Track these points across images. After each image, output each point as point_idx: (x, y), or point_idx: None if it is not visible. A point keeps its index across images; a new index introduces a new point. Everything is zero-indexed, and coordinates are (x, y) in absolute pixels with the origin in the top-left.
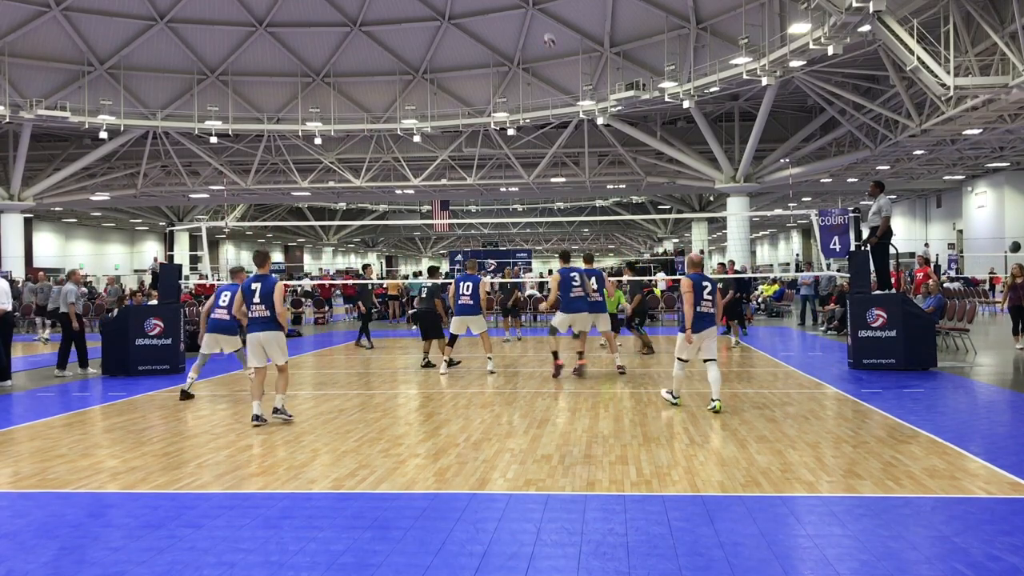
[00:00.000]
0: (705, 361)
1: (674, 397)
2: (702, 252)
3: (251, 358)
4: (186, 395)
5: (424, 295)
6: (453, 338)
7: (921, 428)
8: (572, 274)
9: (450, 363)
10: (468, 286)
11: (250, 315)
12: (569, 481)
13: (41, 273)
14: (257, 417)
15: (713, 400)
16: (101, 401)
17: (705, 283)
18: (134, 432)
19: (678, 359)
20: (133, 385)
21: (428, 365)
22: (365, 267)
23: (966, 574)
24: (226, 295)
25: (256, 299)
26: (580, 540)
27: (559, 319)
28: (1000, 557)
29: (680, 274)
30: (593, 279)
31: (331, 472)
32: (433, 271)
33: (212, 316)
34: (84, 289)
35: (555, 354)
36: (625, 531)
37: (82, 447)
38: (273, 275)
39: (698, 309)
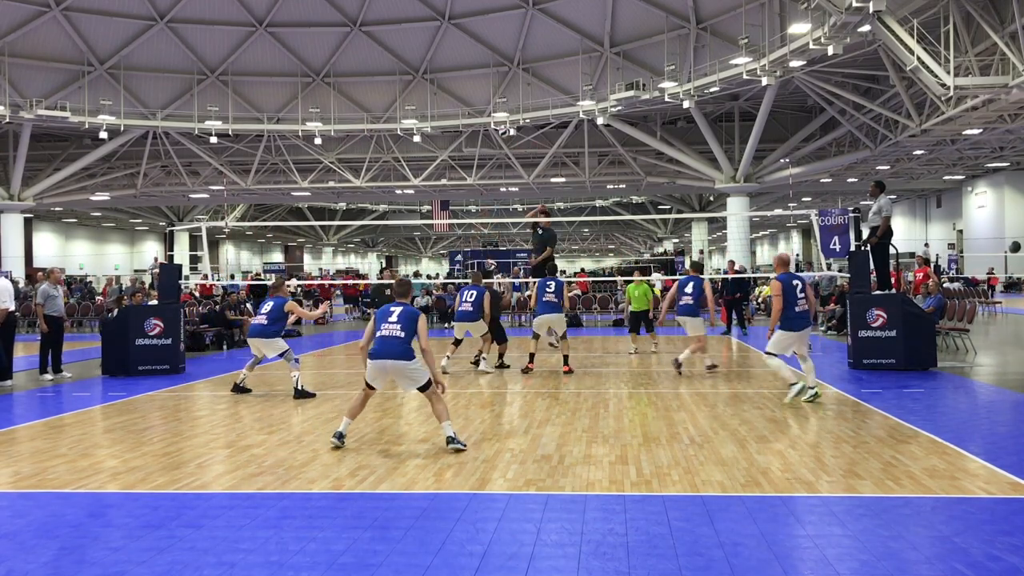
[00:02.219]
0: (795, 355)
1: (799, 385)
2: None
3: (373, 380)
4: (303, 394)
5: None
6: (457, 341)
7: (921, 428)
8: (548, 283)
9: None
10: (472, 294)
11: (380, 333)
12: (569, 481)
13: (40, 274)
14: (340, 435)
15: (811, 388)
16: (101, 401)
17: (796, 282)
18: (134, 432)
19: (769, 353)
20: (133, 385)
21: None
22: (384, 269)
23: (966, 574)
24: (268, 304)
25: (394, 318)
26: (580, 540)
27: (537, 322)
28: (1000, 557)
29: (725, 274)
30: (554, 284)
31: (331, 472)
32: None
33: (252, 322)
34: (56, 291)
35: (532, 356)
36: (625, 531)
37: (82, 447)
38: (413, 305)
39: (796, 309)
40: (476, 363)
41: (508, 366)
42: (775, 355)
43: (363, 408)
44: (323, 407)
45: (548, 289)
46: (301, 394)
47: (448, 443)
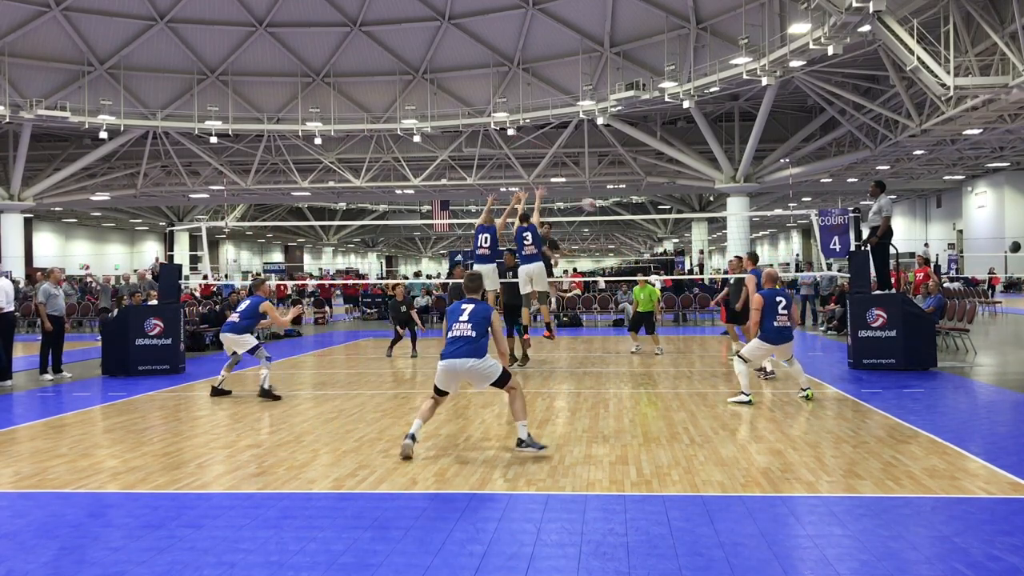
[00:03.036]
0: (784, 362)
1: (750, 399)
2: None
3: (445, 384)
4: (267, 394)
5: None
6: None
7: (921, 428)
8: (525, 232)
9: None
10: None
11: (451, 333)
12: (569, 481)
13: (40, 274)
14: (412, 437)
15: (804, 389)
16: (101, 401)
17: (779, 299)
18: (134, 432)
19: (741, 357)
20: (133, 385)
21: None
22: (416, 274)
23: (966, 574)
24: (245, 302)
25: (465, 317)
26: (580, 540)
27: (521, 275)
28: (1000, 557)
29: (725, 274)
30: (530, 235)
31: (331, 472)
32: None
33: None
34: (57, 291)
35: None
36: (625, 531)
37: (82, 447)
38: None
39: (775, 324)
40: None
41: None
42: (745, 360)
43: (433, 415)
44: (323, 407)
45: (526, 241)
46: (266, 393)
47: (518, 445)
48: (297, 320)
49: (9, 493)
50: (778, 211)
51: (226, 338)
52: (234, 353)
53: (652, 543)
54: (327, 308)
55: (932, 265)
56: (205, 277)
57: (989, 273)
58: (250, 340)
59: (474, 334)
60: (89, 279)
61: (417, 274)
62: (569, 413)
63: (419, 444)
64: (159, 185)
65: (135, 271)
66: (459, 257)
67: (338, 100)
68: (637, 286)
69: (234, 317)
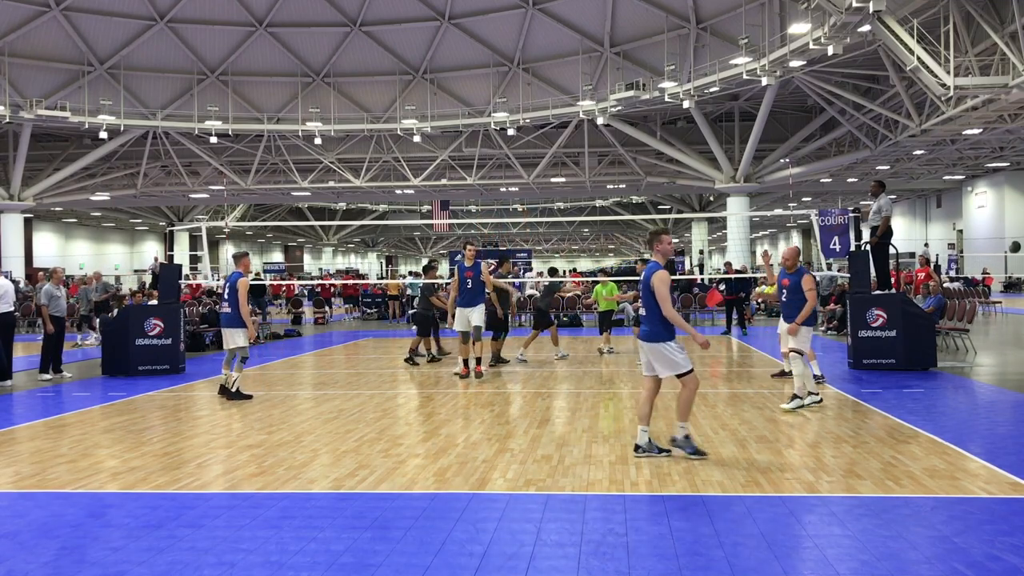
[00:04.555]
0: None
1: (816, 395)
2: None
3: (664, 368)
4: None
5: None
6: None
7: (921, 428)
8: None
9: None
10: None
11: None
12: (569, 481)
13: (40, 274)
14: (640, 448)
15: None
16: (101, 401)
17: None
18: (134, 432)
19: (797, 352)
20: (133, 385)
21: (433, 359)
22: (428, 269)
23: (966, 574)
24: (227, 287)
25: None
26: (580, 540)
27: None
28: (1000, 557)
29: (725, 274)
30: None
31: (331, 472)
32: (428, 270)
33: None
34: (59, 291)
35: (479, 360)
36: (625, 531)
37: (82, 447)
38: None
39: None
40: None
41: (507, 361)
42: (800, 353)
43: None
44: (323, 407)
45: (467, 285)
46: (235, 395)
47: (671, 442)
48: (297, 320)
49: (9, 493)
50: (778, 211)
51: (225, 332)
52: (230, 349)
53: (652, 543)
54: (327, 308)
55: (932, 265)
56: (186, 277)
57: (984, 273)
58: (241, 340)
59: (646, 312)
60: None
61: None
62: (569, 413)
63: (419, 444)
64: (159, 185)
65: (94, 273)
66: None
67: (338, 100)
68: (599, 284)
69: (226, 308)
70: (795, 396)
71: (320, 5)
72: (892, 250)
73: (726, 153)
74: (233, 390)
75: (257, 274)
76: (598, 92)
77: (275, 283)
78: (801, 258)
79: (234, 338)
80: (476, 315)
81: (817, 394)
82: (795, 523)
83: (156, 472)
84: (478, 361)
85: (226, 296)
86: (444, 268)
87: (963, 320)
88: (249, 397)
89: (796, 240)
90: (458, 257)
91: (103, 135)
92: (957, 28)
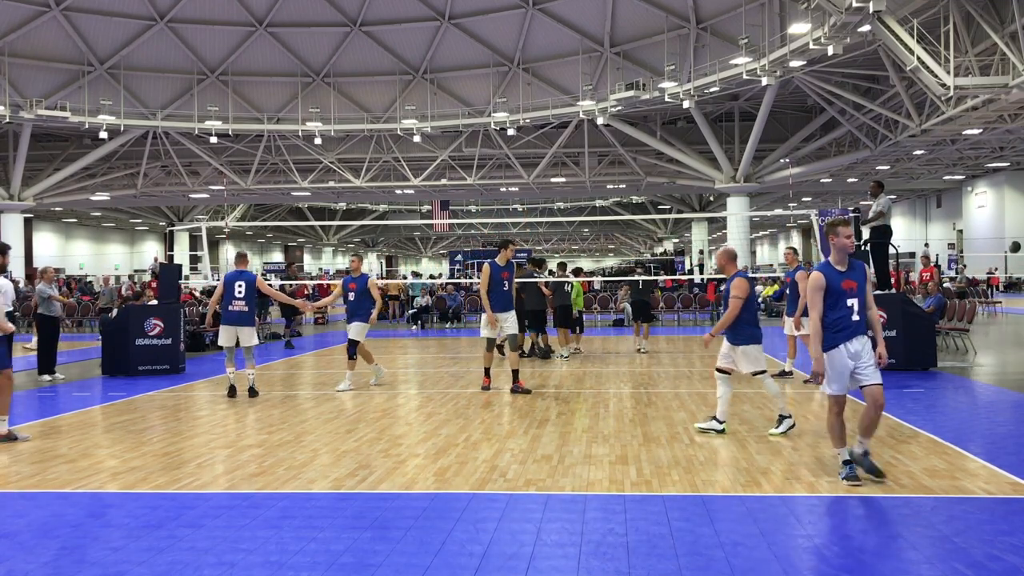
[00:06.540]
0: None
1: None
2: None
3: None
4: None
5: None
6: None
7: (921, 428)
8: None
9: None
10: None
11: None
12: (569, 481)
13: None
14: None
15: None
16: (101, 401)
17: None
18: (134, 432)
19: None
20: (133, 385)
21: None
22: (538, 263)
23: (966, 574)
24: (240, 286)
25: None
26: (580, 540)
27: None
28: (1000, 557)
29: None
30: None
31: (331, 472)
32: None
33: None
34: (53, 291)
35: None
36: (625, 531)
37: (82, 447)
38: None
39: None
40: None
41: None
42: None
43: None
44: (323, 407)
45: (503, 287)
46: (256, 392)
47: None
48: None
49: (9, 493)
50: (778, 211)
51: (241, 331)
52: (230, 348)
53: (652, 543)
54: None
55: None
56: (186, 278)
57: (987, 273)
58: (255, 338)
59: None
60: (90, 279)
61: (417, 274)
62: (569, 413)
63: (419, 444)
64: (159, 185)
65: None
66: (459, 257)
67: (338, 100)
68: (576, 283)
69: (242, 307)
70: (782, 418)
71: (320, 5)
72: (892, 250)
73: (726, 153)
74: (253, 387)
75: (264, 274)
76: (598, 92)
77: (299, 283)
78: (802, 257)
79: (251, 337)
80: (511, 322)
81: (790, 416)
82: (795, 523)
83: (156, 472)
84: (515, 375)
85: (240, 295)
86: (444, 268)
87: (963, 320)
88: (255, 393)
89: (796, 240)
90: (496, 258)
91: (103, 135)
92: (957, 28)
